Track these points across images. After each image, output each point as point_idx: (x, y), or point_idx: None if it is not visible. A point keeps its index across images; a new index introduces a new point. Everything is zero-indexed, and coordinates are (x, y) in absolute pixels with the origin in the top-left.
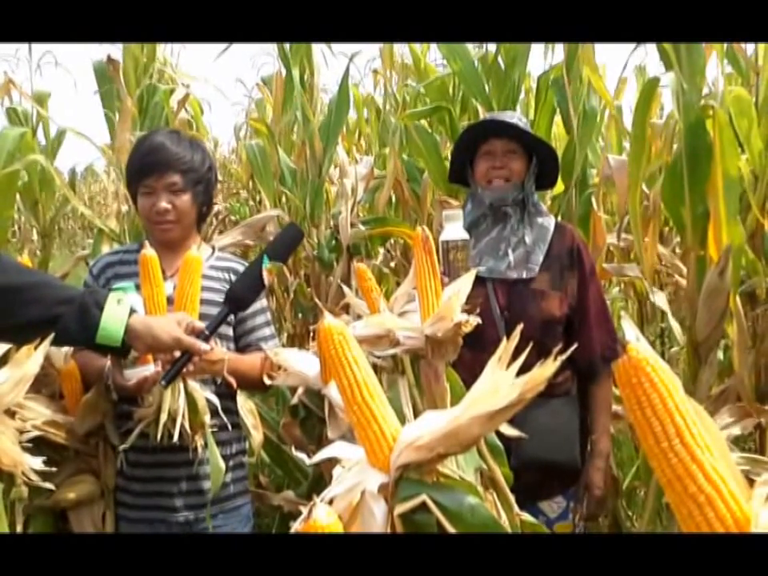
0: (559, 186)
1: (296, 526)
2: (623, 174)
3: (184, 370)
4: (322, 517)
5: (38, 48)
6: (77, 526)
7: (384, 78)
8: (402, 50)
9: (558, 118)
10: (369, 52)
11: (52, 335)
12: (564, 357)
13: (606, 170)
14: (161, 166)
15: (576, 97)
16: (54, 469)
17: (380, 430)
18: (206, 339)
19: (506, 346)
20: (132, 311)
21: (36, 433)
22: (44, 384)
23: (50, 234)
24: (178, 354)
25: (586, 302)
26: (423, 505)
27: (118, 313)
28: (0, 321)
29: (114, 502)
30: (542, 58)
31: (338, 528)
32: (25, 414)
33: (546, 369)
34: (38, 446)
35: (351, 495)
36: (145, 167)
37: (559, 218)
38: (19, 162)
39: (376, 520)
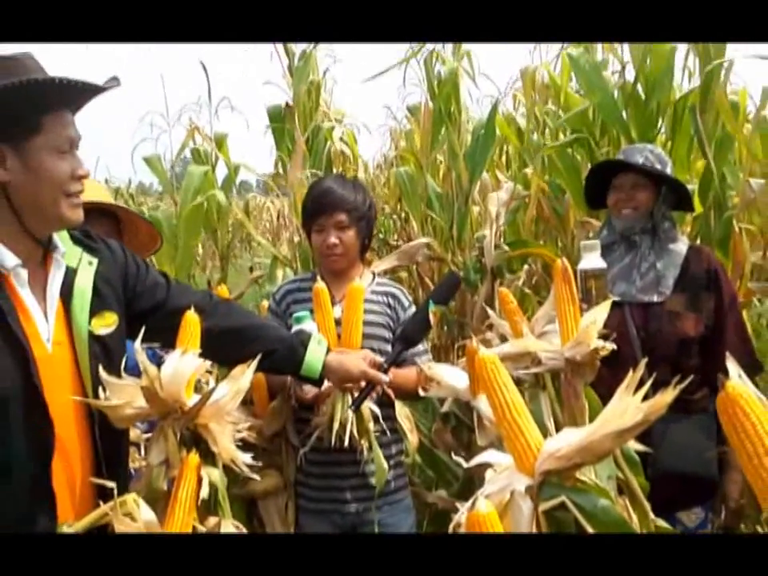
0: (699, 208)
1: (458, 516)
2: (765, 194)
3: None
4: (483, 507)
5: (216, 95)
6: (265, 514)
7: (526, 102)
8: (541, 75)
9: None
10: (509, 72)
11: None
12: (694, 374)
13: (748, 193)
14: (330, 207)
15: (712, 123)
16: (259, 463)
17: (526, 442)
18: (385, 371)
19: (640, 367)
20: (328, 350)
21: (241, 435)
22: None
23: (228, 257)
24: (363, 384)
25: (723, 325)
26: (563, 504)
27: (318, 352)
28: (232, 353)
29: (295, 494)
30: (682, 82)
31: (495, 517)
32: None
33: (666, 396)
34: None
35: (503, 494)
36: (317, 208)
37: (698, 240)
38: (202, 197)
39: (524, 515)
